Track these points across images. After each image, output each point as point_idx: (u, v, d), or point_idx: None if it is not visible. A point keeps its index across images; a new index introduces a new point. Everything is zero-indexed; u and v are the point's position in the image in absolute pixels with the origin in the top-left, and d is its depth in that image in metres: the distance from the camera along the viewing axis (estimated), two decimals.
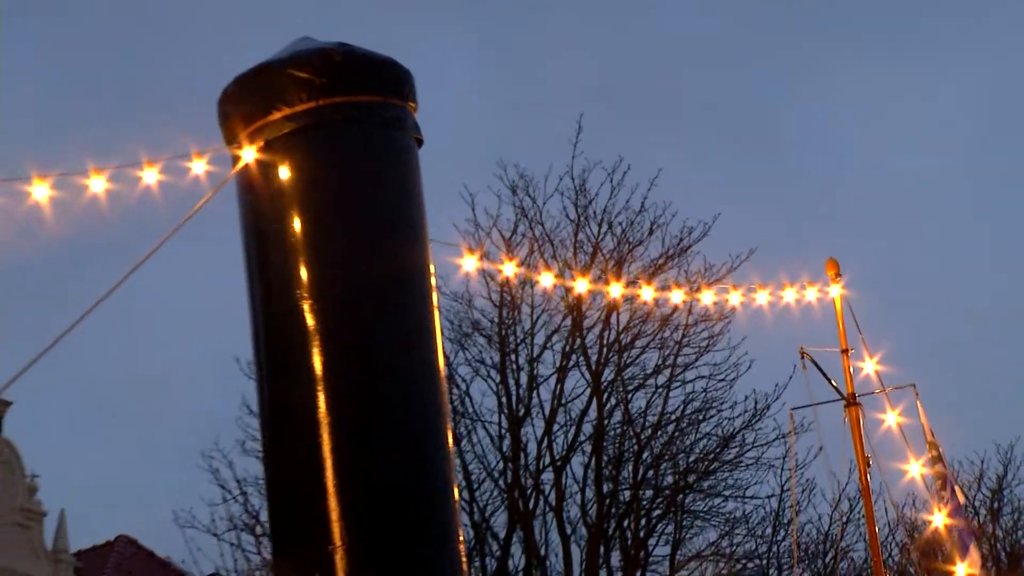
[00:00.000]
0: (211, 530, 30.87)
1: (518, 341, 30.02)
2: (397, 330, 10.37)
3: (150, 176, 10.26)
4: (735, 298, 16.91)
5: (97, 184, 10.24)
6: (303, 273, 10.20)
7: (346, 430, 10.02)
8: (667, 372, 29.74)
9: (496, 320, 30.40)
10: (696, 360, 29.92)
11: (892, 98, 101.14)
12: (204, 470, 30.84)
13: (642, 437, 29.65)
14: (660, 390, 29.97)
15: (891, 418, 16.60)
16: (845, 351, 16.25)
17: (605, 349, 29.58)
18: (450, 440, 10.63)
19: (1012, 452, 33.71)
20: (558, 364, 29.80)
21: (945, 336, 64.06)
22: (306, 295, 10.23)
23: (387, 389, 10.28)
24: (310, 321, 10.21)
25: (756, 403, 30.72)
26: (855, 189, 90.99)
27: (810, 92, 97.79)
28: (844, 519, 31.33)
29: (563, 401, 29.88)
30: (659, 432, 29.77)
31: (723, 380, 30.07)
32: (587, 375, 30.04)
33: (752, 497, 31.23)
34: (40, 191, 10.19)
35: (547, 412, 30.02)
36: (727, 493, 30.80)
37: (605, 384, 29.49)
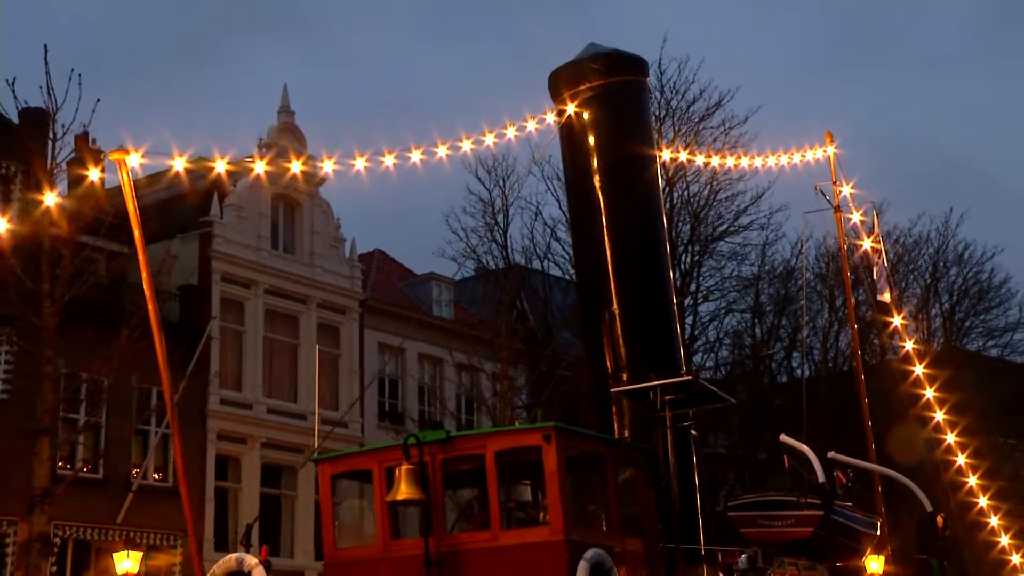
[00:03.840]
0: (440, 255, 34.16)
1: None
2: (641, 187, 14.07)
3: (531, 125, 13.40)
4: (757, 161, 19.68)
5: (512, 131, 13.35)
6: (594, 163, 13.69)
7: (618, 240, 13.65)
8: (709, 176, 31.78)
9: None
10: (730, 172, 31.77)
11: None
12: (441, 222, 34.31)
13: (695, 210, 32.43)
14: (705, 185, 32.43)
15: (856, 217, 19.65)
16: (835, 182, 19.23)
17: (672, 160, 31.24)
18: (665, 234, 13.80)
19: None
20: None
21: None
22: (596, 174, 13.55)
23: (638, 214, 13.76)
24: (599, 187, 13.48)
25: (759, 194, 32.99)
26: None
27: None
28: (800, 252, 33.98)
29: None
30: (703, 209, 32.15)
31: (740, 179, 32.11)
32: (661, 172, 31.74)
33: (752, 244, 34.01)
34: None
35: None
36: (739, 240, 33.63)
37: (675, 179, 31.46)
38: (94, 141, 28.77)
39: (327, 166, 12.42)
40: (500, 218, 32.94)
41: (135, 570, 23.05)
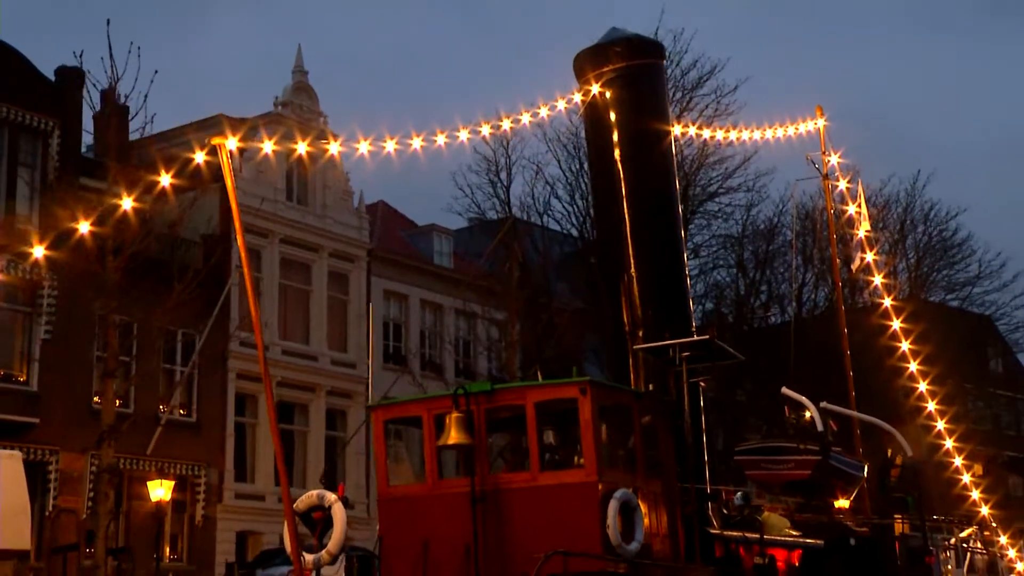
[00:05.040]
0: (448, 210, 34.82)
1: None
2: (657, 160, 14.72)
3: (561, 105, 14.07)
4: (753, 134, 20.10)
5: (544, 110, 13.87)
6: (614, 137, 14.27)
7: (635, 208, 14.24)
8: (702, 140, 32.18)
9: None
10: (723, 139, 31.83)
11: None
12: (450, 180, 35.23)
13: (686, 172, 32.79)
14: (696, 148, 33.08)
15: (842, 184, 20.52)
16: (824, 152, 20.09)
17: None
18: (678, 202, 14.45)
19: None
20: None
21: None
22: (617, 148, 14.30)
23: (653, 185, 14.36)
24: (619, 161, 14.15)
25: (747, 158, 33.55)
26: None
27: None
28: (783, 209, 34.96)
29: None
30: (694, 171, 32.74)
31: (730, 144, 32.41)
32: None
33: (738, 205, 34.88)
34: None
35: None
36: (726, 201, 34.57)
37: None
38: (119, 97, 29.19)
39: (390, 146, 12.35)
40: (503, 175, 33.71)
41: (168, 497, 24.11)
